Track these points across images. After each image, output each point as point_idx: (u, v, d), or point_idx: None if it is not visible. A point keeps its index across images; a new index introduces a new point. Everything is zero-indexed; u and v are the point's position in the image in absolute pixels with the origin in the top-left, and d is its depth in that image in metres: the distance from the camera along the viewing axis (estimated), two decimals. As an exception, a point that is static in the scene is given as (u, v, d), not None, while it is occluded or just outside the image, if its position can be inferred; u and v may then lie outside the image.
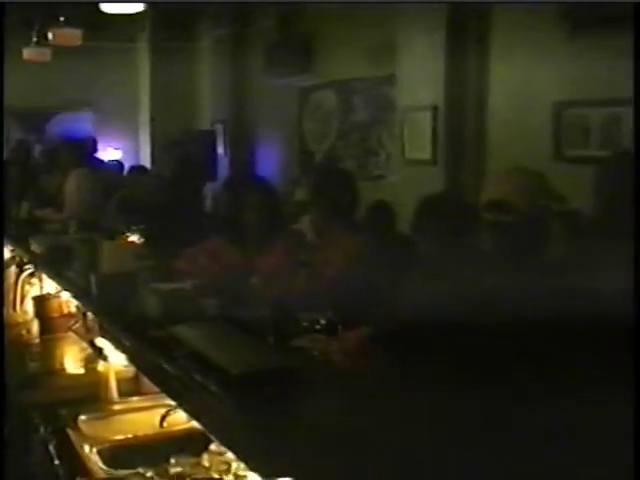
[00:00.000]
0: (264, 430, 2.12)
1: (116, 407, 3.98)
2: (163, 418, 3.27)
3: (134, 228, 4.63)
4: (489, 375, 2.32)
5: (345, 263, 4.20)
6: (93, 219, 6.17)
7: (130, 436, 3.59)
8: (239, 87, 12.60)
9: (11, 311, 5.71)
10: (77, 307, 4.68)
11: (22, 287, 5.75)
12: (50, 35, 10.54)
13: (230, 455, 2.93)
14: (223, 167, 12.50)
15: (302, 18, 10.80)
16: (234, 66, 12.55)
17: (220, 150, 12.79)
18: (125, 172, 10.96)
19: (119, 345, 3.51)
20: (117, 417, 3.86)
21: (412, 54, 8.16)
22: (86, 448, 3.45)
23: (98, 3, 7.74)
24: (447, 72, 7.87)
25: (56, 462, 3.41)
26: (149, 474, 3.15)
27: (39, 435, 3.71)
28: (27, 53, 11.65)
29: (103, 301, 3.86)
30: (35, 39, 11.50)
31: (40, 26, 11.09)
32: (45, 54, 11.65)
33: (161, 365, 2.79)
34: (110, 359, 4.01)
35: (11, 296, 5.78)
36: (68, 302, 5.05)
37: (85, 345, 4.49)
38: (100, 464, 3.31)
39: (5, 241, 6.32)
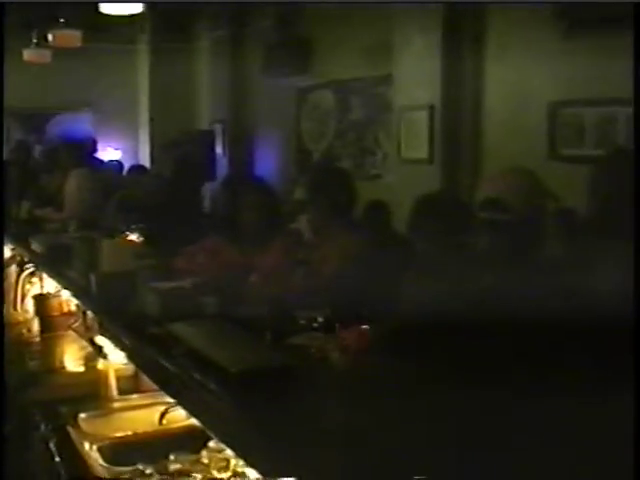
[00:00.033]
0: (262, 427, 2.12)
1: (116, 405, 3.97)
2: (162, 415, 3.27)
3: (133, 227, 4.64)
4: (486, 374, 2.32)
5: (342, 262, 4.19)
6: (93, 218, 6.17)
7: (130, 433, 3.59)
8: (238, 87, 12.60)
9: (12, 310, 5.71)
10: (77, 306, 4.68)
11: (23, 286, 5.75)
12: (50, 37, 10.53)
13: (229, 452, 2.93)
14: (222, 166, 12.50)
15: (300, 19, 10.80)
16: (233, 67, 12.56)
17: (219, 150, 12.78)
18: (125, 172, 10.96)
19: (119, 343, 3.51)
20: (117, 415, 3.86)
21: (409, 54, 8.17)
22: (86, 445, 3.45)
23: (97, 5, 7.72)
24: (443, 72, 7.88)
25: (56, 459, 3.41)
26: (149, 471, 3.15)
27: (40, 433, 3.70)
28: (27, 54, 11.65)
29: (103, 300, 3.86)
30: (35, 40, 11.50)
31: (40, 28, 11.09)
32: (45, 55, 11.65)
33: (160, 363, 2.79)
34: (110, 357, 4.01)
35: (12, 295, 5.77)
36: (68, 301, 5.05)
37: (85, 343, 4.49)
38: (100, 461, 3.31)
39: (6, 240, 6.32)
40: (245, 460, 2.50)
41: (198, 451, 3.20)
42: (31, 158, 10.89)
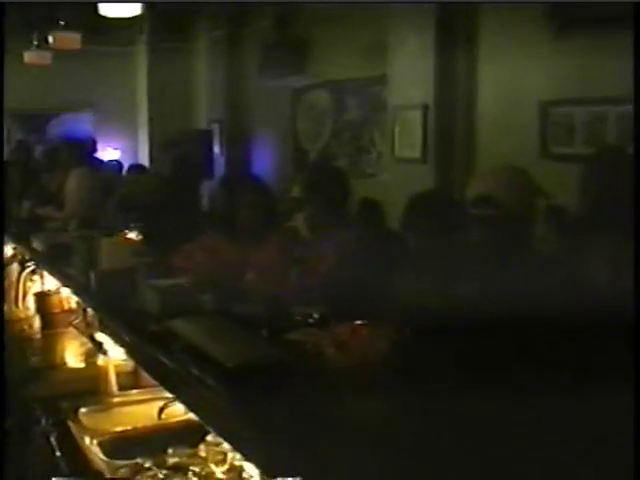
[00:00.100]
0: (259, 421, 2.12)
1: (116, 400, 3.97)
2: (161, 410, 3.27)
3: (132, 225, 4.62)
4: (482, 371, 2.32)
5: (338, 259, 4.20)
6: (93, 217, 6.16)
7: (129, 428, 3.59)
8: (235, 88, 12.60)
9: (13, 307, 5.71)
10: (77, 303, 4.68)
11: (24, 284, 5.75)
12: (50, 39, 10.53)
13: (226, 446, 2.94)
14: (219, 165, 12.49)
15: (296, 20, 10.80)
16: (230, 67, 12.55)
17: (216, 149, 12.78)
18: (124, 171, 10.95)
19: (118, 339, 3.51)
20: (117, 409, 3.86)
21: (402, 54, 8.17)
22: (86, 440, 3.46)
23: (97, 8, 7.71)
24: (437, 72, 7.88)
25: (57, 453, 3.41)
26: (148, 464, 3.15)
27: (41, 427, 3.71)
28: (28, 56, 11.65)
29: (102, 297, 3.86)
30: (36, 43, 11.50)
31: (40, 30, 11.09)
32: (46, 57, 11.65)
33: (159, 359, 2.79)
34: (109, 353, 4.01)
35: (13, 293, 5.77)
36: (68, 298, 5.05)
37: (85, 340, 4.49)
38: (100, 455, 3.31)
39: (7, 239, 6.32)
40: (242, 454, 2.51)
41: (196, 445, 3.21)
42: (32, 158, 10.87)
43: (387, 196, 7.48)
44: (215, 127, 12.97)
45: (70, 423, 3.63)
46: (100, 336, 4.01)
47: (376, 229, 5.87)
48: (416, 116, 8.03)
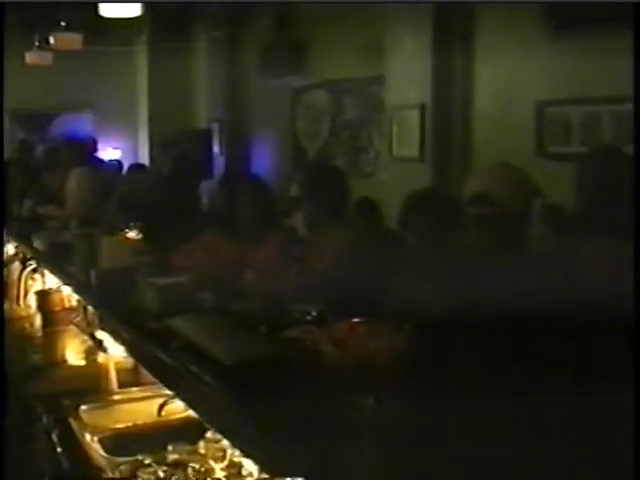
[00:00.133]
0: (257, 418, 2.12)
1: (116, 397, 3.98)
2: (161, 407, 3.27)
3: (132, 224, 4.63)
4: (478, 369, 2.32)
5: (336, 256, 4.20)
6: (93, 216, 6.16)
7: (129, 425, 3.59)
8: (234, 87, 12.60)
9: (15, 305, 5.71)
10: (78, 301, 4.68)
11: (25, 282, 5.75)
12: (52, 39, 10.54)
13: (225, 442, 2.94)
14: (219, 165, 12.50)
15: (295, 20, 10.80)
16: (229, 67, 12.56)
17: (216, 148, 12.78)
18: (124, 171, 10.95)
19: (118, 337, 3.51)
20: (117, 407, 3.86)
21: (400, 54, 8.17)
22: (87, 436, 3.46)
23: (97, 8, 7.71)
24: (434, 72, 7.88)
25: (58, 450, 3.41)
26: (148, 461, 3.15)
27: (42, 424, 3.70)
28: (30, 57, 11.67)
29: (103, 295, 3.86)
30: (37, 43, 11.51)
31: (42, 31, 11.09)
32: (47, 58, 11.66)
33: (159, 356, 2.79)
34: (110, 351, 4.01)
35: (15, 291, 5.78)
36: (69, 296, 5.05)
37: (86, 337, 4.49)
38: (101, 452, 3.32)
39: (9, 238, 6.32)
40: (241, 450, 2.51)
41: (196, 442, 3.21)
42: (33, 157, 10.89)
43: (385, 195, 7.48)
44: (215, 126, 12.97)
45: (71, 420, 3.63)
46: (100, 334, 4.02)
47: (374, 227, 5.87)
48: (413, 115, 8.03)
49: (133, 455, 3.22)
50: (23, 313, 5.57)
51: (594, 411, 1.96)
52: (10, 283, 5.89)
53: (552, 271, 3.27)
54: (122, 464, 3.17)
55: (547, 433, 1.93)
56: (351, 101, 10.12)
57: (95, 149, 9.14)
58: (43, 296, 5.28)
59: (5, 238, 6.37)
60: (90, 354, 4.34)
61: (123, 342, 3.45)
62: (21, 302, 5.72)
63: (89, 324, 4.26)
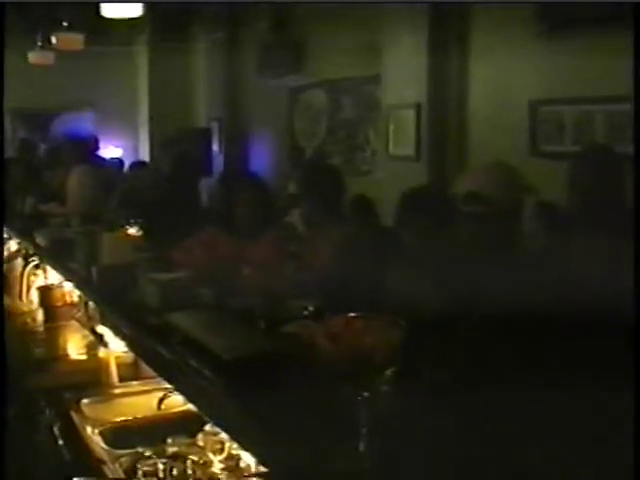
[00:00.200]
0: (255, 411, 2.13)
1: (116, 391, 3.98)
2: (161, 401, 3.28)
3: (133, 221, 4.63)
4: (475, 368, 2.32)
5: (332, 254, 4.20)
6: (94, 213, 6.17)
7: (130, 418, 3.60)
8: (233, 87, 12.59)
9: (17, 301, 5.72)
10: (79, 296, 4.68)
11: (27, 278, 5.75)
12: (54, 39, 10.54)
13: (224, 435, 2.95)
14: (218, 163, 12.49)
15: (293, 21, 10.79)
16: (229, 67, 12.54)
17: (215, 147, 12.77)
18: (125, 169, 10.94)
19: (119, 332, 3.52)
20: (117, 400, 3.87)
21: (396, 54, 8.16)
22: (88, 429, 3.46)
23: (98, 9, 7.70)
24: (430, 71, 7.87)
25: (60, 442, 3.42)
26: (147, 453, 3.16)
27: (44, 417, 3.71)
28: (32, 57, 11.68)
29: (104, 291, 3.87)
30: (39, 43, 11.51)
31: (44, 31, 11.09)
32: (49, 57, 11.66)
33: (158, 351, 2.80)
34: (110, 345, 4.02)
35: (17, 287, 5.79)
36: (71, 292, 5.06)
37: (87, 332, 4.49)
38: (102, 444, 3.32)
39: (11, 234, 6.33)
40: (239, 443, 2.52)
41: (194, 434, 3.22)
42: (36, 156, 10.88)
43: (381, 193, 7.48)
44: (214, 125, 12.96)
45: (72, 413, 3.64)
46: (101, 329, 4.03)
47: (370, 225, 5.88)
48: (409, 115, 8.03)
49: (133, 447, 3.23)
50: (25, 308, 5.58)
51: (594, 411, 1.96)
52: (13, 279, 5.90)
53: (546, 269, 3.27)
54: (122, 456, 3.18)
55: (547, 433, 1.92)
56: (348, 100, 10.11)
57: (96, 148, 9.11)
58: (45, 292, 5.28)
59: (8, 235, 6.38)
60: (91, 349, 4.34)
61: (123, 337, 3.45)
62: (24, 297, 5.73)
63: (90, 319, 4.27)
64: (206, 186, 9.37)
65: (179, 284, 3.35)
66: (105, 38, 12.01)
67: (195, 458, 3.09)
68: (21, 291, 5.75)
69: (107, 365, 4.08)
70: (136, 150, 14.23)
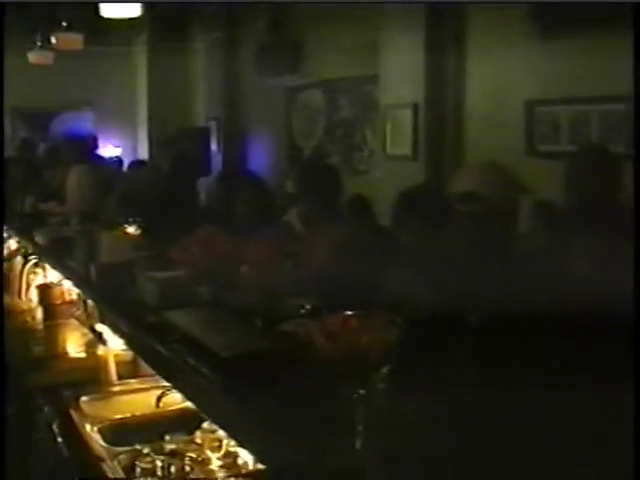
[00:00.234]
0: (252, 409, 2.13)
1: (115, 388, 3.98)
2: (159, 399, 3.27)
3: (131, 220, 4.63)
4: (474, 366, 2.32)
5: (330, 252, 4.20)
6: (93, 212, 6.17)
7: (128, 415, 3.60)
8: (232, 87, 12.59)
9: (17, 299, 5.72)
10: (78, 295, 4.68)
11: (27, 276, 5.74)
12: (53, 39, 10.54)
13: (221, 433, 2.95)
14: (217, 162, 12.49)
15: (291, 21, 10.79)
16: (227, 67, 12.55)
17: (214, 146, 12.78)
18: (124, 168, 10.94)
19: (118, 330, 3.52)
20: (116, 398, 3.87)
21: (393, 54, 8.16)
22: (87, 427, 3.46)
23: (98, 9, 7.70)
24: (426, 71, 7.87)
25: (59, 440, 3.42)
26: (146, 450, 3.16)
27: (43, 415, 3.71)
28: (32, 57, 11.69)
29: (103, 289, 3.86)
30: (39, 43, 11.51)
31: (43, 31, 11.09)
32: (49, 57, 11.67)
33: (157, 349, 2.80)
34: (109, 343, 4.01)
35: (17, 285, 5.78)
36: (70, 290, 5.05)
37: (86, 330, 4.49)
38: (100, 441, 3.32)
39: (11, 233, 6.32)
40: (237, 440, 2.52)
41: (192, 432, 3.22)
42: (35, 155, 10.88)
43: (378, 192, 7.48)
44: (212, 125, 12.96)
45: (72, 411, 3.64)
46: (100, 327, 4.02)
47: (367, 224, 5.87)
48: (406, 114, 8.03)
49: (132, 445, 3.23)
50: (25, 306, 5.57)
51: (594, 411, 1.95)
52: (12, 277, 5.89)
53: (542, 268, 3.27)
54: (121, 453, 3.19)
55: (547, 432, 1.92)
56: (345, 100, 10.11)
57: (95, 147, 9.12)
58: (44, 290, 5.27)
59: (7, 233, 6.37)
60: (90, 347, 4.34)
61: (122, 335, 3.45)
62: (23, 296, 5.72)
63: (89, 317, 4.27)
64: (204, 185, 9.37)
65: (177, 282, 3.35)
66: (104, 38, 12.02)
67: (193, 455, 3.09)
68: (20, 289, 5.74)
69: (106, 363, 4.08)
70: (135, 149, 14.24)
